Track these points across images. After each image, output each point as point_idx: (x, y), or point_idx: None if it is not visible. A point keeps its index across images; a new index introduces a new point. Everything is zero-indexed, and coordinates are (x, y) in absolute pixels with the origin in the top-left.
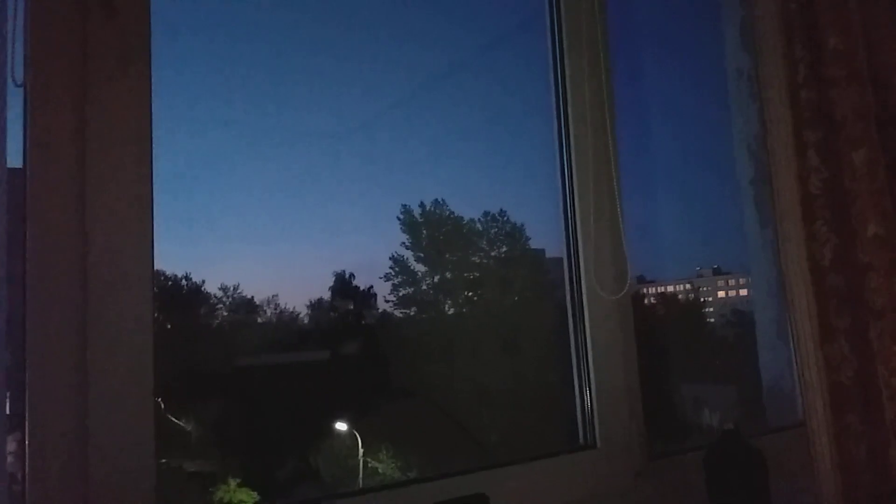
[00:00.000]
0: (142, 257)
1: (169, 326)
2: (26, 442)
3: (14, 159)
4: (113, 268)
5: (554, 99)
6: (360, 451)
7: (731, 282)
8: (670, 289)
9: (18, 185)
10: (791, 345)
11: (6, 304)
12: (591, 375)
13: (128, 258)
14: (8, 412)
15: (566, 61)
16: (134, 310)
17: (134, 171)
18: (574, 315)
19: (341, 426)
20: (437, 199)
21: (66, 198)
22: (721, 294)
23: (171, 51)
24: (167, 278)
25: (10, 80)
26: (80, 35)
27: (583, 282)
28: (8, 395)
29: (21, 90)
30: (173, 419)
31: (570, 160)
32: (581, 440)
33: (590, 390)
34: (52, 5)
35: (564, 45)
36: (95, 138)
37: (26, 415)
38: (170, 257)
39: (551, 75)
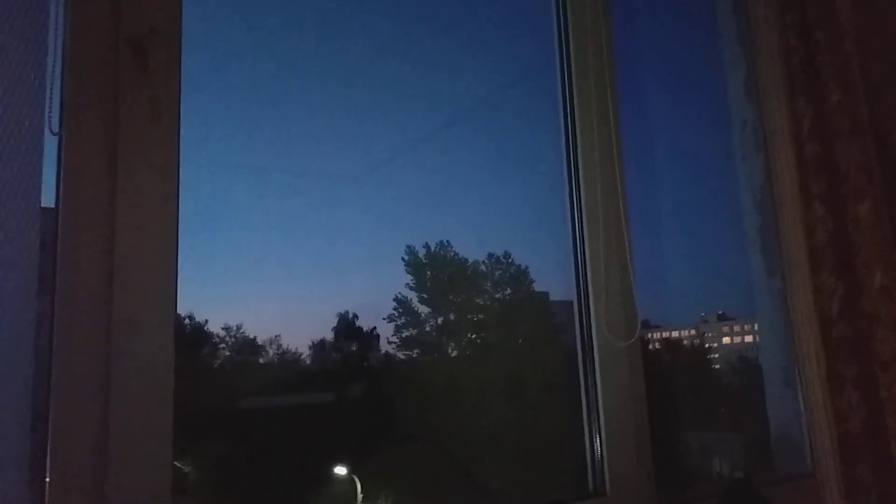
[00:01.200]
0: (165, 299)
1: None
2: (47, 480)
3: (47, 199)
4: (137, 306)
5: (563, 143)
6: (360, 496)
7: (737, 328)
8: (675, 334)
9: (51, 223)
10: (799, 393)
11: (34, 343)
12: (602, 422)
13: (152, 300)
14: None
15: (575, 106)
16: (156, 348)
17: (160, 215)
18: (584, 360)
19: (341, 470)
20: (441, 241)
21: (94, 241)
22: (726, 340)
23: None
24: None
25: (47, 130)
26: (113, 87)
27: (593, 327)
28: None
29: (56, 138)
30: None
31: (580, 205)
32: (591, 487)
33: (600, 436)
34: (88, 59)
35: (574, 90)
36: (125, 185)
37: (48, 453)
38: None
39: (560, 120)
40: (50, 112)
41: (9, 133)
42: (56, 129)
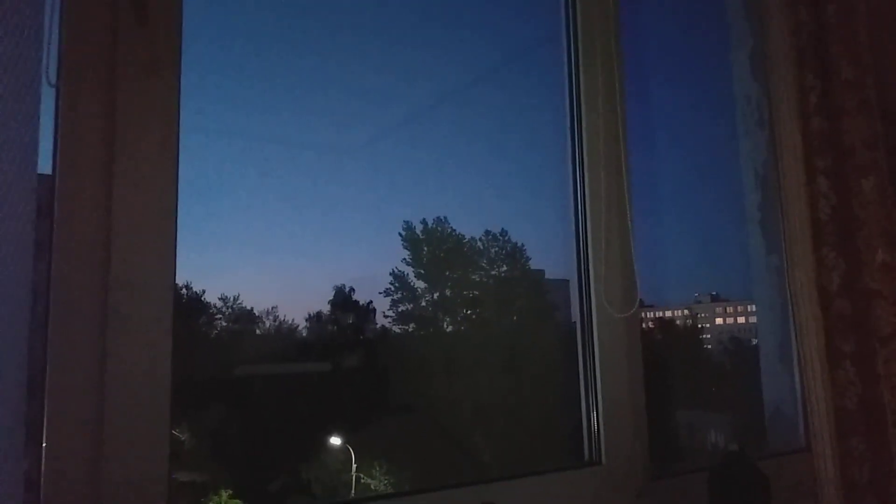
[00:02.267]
0: (164, 263)
1: None
2: (43, 445)
3: (43, 165)
4: (135, 273)
5: (567, 120)
6: (354, 466)
7: (730, 309)
8: (668, 314)
9: (47, 190)
10: (796, 369)
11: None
12: (599, 393)
13: (150, 263)
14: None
15: (581, 80)
16: (154, 315)
17: (160, 177)
18: (583, 333)
19: (335, 440)
20: (439, 217)
21: (92, 202)
22: (719, 321)
23: None
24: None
25: (44, 80)
26: (112, 40)
27: (592, 300)
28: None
29: (53, 91)
30: None
31: (584, 178)
32: (586, 456)
33: (597, 408)
34: (86, 11)
35: (580, 64)
36: (123, 143)
37: (44, 418)
38: None
39: (566, 97)
40: (47, 63)
41: (5, 84)
42: (53, 81)
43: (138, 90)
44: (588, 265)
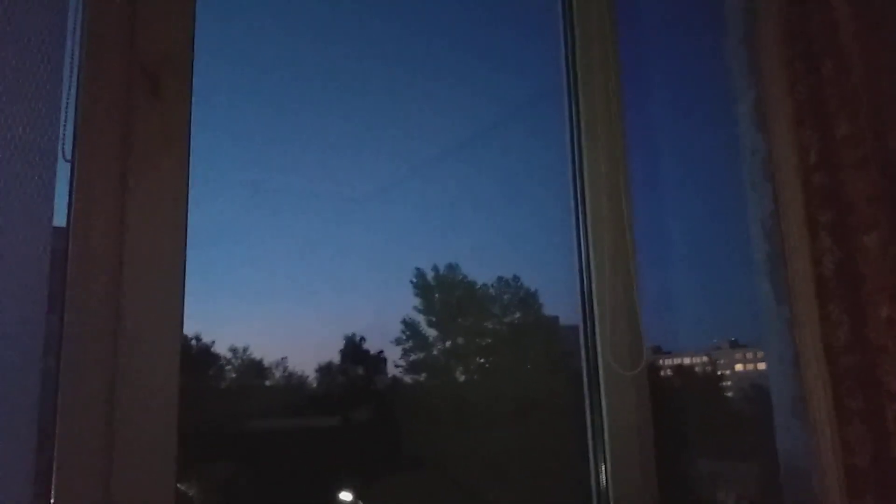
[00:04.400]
0: (171, 320)
1: None
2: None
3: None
4: (144, 326)
5: (570, 170)
6: None
7: (749, 355)
8: (687, 360)
9: (62, 242)
10: (806, 425)
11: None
12: (607, 450)
13: (159, 318)
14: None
15: (582, 132)
16: (162, 370)
17: (169, 240)
18: (590, 389)
19: (346, 496)
20: (450, 264)
21: (104, 260)
22: (739, 367)
23: None
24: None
25: (60, 156)
26: (126, 114)
27: (599, 356)
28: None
29: (69, 165)
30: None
31: (587, 233)
32: None
33: (605, 464)
34: (102, 87)
35: (581, 116)
36: (134, 209)
37: (53, 471)
38: None
39: (567, 145)
40: (63, 139)
41: (23, 160)
42: (69, 156)
43: (150, 159)
44: (594, 320)
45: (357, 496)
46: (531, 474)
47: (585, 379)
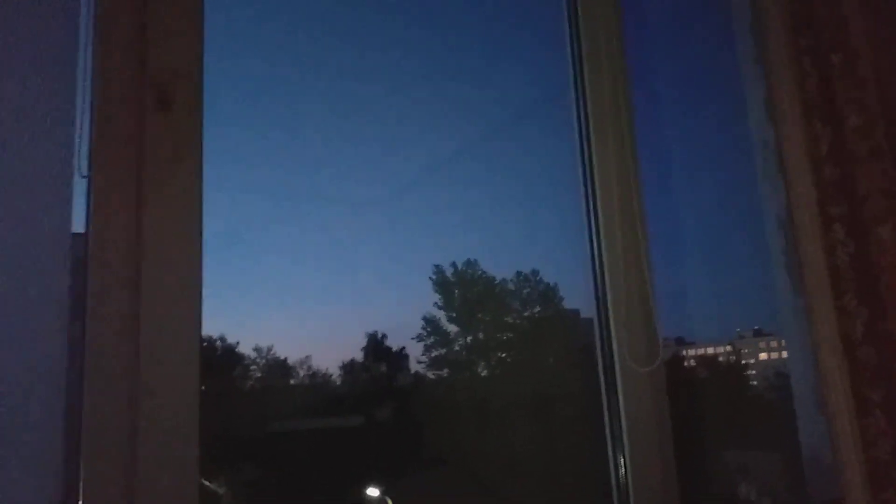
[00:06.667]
0: (190, 325)
1: (203, 388)
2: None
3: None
4: (163, 332)
5: (580, 168)
6: None
7: (773, 343)
8: (710, 350)
9: (80, 248)
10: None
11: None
12: (626, 448)
13: (177, 322)
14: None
15: (591, 131)
16: (182, 374)
17: (186, 246)
18: (606, 385)
19: (373, 492)
20: (469, 260)
21: (122, 271)
22: (763, 356)
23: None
24: (202, 339)
25: (76, 173)
26: (139, 130)
27: (615, 353)
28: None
29: (85, 181)
30: (205, 482)
31: (598, 231)
32: None
33: (624, 460)
34: (115, 104)
35: (589, 114)
36: (151, 221)
37: (80, 481)
38: (204, 318)
39: (577, 142)
40: (79, 156)
41: (41, 178)
42: (85, 173)
43: (164, 172)
44: (608, 318)
45: (384, 492)
46: (553, 470)
47: (602, 376)
